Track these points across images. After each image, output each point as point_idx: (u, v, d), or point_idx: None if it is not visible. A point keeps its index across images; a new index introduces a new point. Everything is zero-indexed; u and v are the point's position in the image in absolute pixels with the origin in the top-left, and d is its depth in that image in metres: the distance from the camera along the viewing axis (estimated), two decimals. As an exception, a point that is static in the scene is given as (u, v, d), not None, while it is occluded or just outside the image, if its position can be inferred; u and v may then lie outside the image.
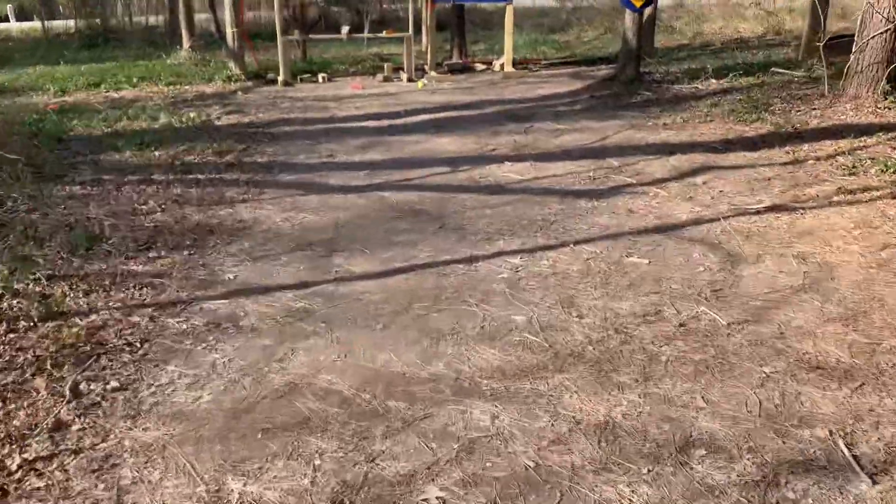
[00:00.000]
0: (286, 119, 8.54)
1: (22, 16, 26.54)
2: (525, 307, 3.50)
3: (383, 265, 4.09)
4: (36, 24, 22.17)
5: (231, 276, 3.94)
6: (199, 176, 5.95)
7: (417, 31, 14.60)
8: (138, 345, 3.17)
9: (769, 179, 5.54)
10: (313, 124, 8.26)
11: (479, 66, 12.79)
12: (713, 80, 9.94)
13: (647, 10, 11.03)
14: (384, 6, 22.25)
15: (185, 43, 14.06)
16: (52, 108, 8.83)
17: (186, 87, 11.14)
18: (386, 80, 11.69)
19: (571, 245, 4.34)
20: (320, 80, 11.74)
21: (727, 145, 6.74)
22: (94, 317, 3.41)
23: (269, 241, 4.49)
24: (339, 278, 3.91)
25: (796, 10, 17.77)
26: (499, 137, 7.44)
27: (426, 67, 12.38)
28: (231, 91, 10.76)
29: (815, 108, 7.69)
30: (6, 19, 26.23)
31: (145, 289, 3.76)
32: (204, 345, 3.16)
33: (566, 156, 6.61)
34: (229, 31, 11.56)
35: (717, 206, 4.99)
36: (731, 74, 9.95)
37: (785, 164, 5.96)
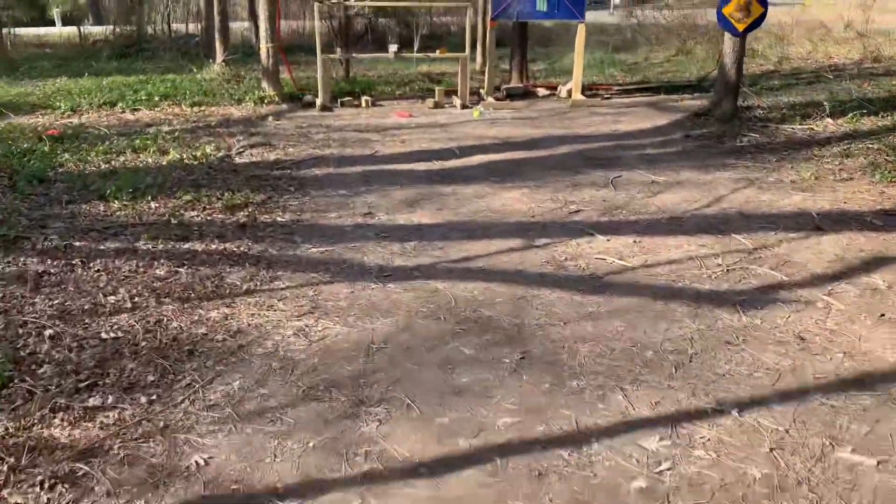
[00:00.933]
0: (319, 157, 7.12)
1: (70, 20, 25.91)
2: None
3: (440, 444, 2.59)
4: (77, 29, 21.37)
5: (200, 461, 2.47)
6: (197, 246, 4.52)
7: (472, 48, 13.16)
8: None
9: None
10: (351, 165, 6.83)
11: (542, 92, 11.26)
12: (829, 120, 8.25)
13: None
14: (434, 19, 20.89)
15: (219, 56, 12.83)
16: (50, 133, 7.57)
17: (212, 108, 9.84)
18: (437, 106, 10.24)
19: (734, 412, 2.78)
20: (363, 104, 10.35)
21: (888, 218, 5.09)
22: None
23: (271, 379, 3.02)
24: (368, 475, 2.41)
25: (894, 35, 15.88)
26: (580, 191, 5.91)
27: (482, 92, 10.91)
28: (261, 116, 9.42)
29: None
30: (54, 23, 25.63)
31: (59, 485, 2.31)
32: None
33: (677, 226, 5.03)
34: (263, 48, 10.25)
35: (934, 335, 3.38)
36: (850, 114, 8.25)
37: None
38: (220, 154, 6.97)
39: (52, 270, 4.06)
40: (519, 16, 10.31)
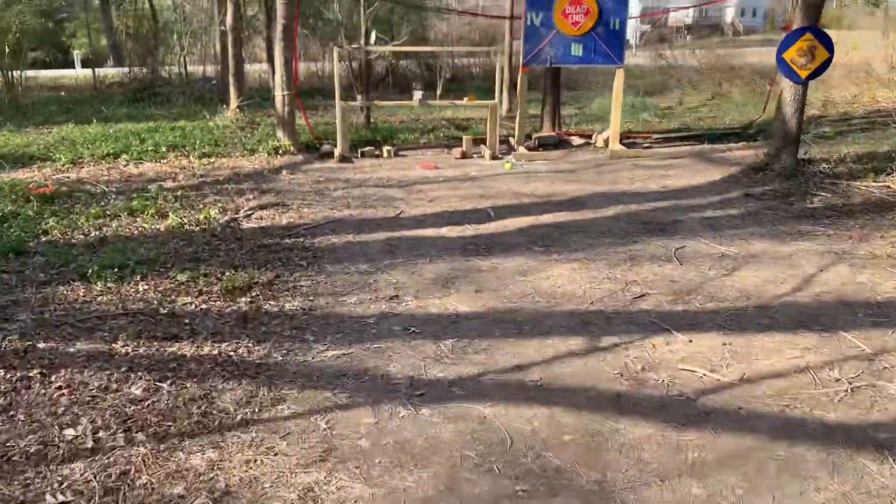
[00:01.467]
0: (337, 220, 6.34)
1: (90, 62, 25.65)
2: None
3: None
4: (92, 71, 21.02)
5: None
6: (186, 349, 3.70)
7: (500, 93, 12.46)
8: None
9: None
10: (372, 230, 6.02)
11: (577, 141, 10.47)
12: (904, 175, 7.37)
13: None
14: (456, 61, 20.34)
15: (232, 102, 12.21)
16: (40, 191, 6.85)
17: (222, 160, 9.14)
18: (464, 156, 9.48)
19: None
20: (384, 154, 9.61)
21: None
22: None
23: (266, 586, 2.15)
24: None
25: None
26: (640, 267, 5.05)
27: (512, 141, 10.15)
28: (274, 168, 8.69)
29: None
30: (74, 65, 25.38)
31: None
32: None
33: (768, 320, 4.14)
34: (278, 95, 9.58)
35: None
36: (929, 167, 7.37)
37: None
38: (226, 218, 6.20)
39: (1, 387, 3.24)
40: (553, 61, 9.58)
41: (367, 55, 11.58)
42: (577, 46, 9.48)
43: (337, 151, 9.37)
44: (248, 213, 6.42)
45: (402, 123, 12.36)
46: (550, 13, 9.35)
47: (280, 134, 9.75)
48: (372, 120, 11.95)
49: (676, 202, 6.92)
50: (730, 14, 45.39)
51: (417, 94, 9.55)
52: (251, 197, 7.08)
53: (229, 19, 11.96)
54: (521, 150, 9.60)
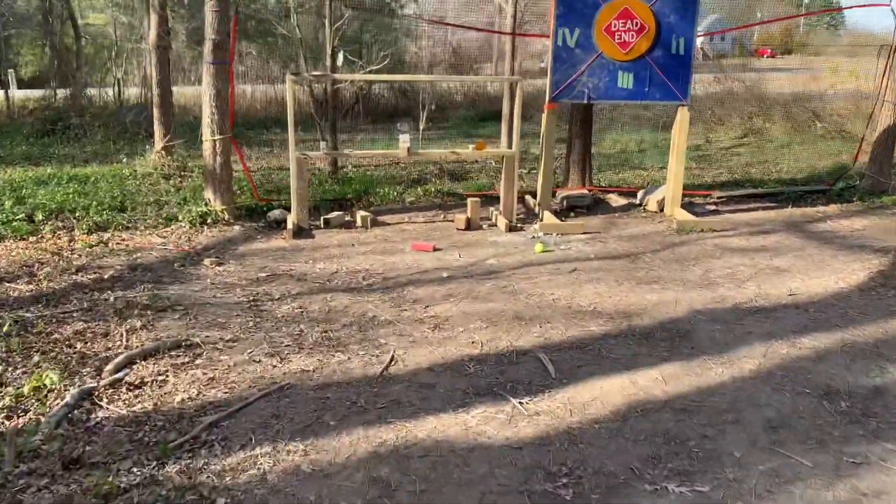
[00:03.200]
0: (278, 393, 3.54)
1: (38, 81, 22.11)
2: None
3: None
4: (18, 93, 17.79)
5: None
6: None
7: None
8: None
9: None
10: (342, 424, 3.25)
11: (617, 200, 7.84)
12: None
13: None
14: (437, 86, 17.67)
15: (157, 141, 9.35)
16: None
17: (122, 235, 6.30)
18: (470, 226, 6.77)
19: None
20: (359, 221, 6.86)
21: None
22: None
23: None
24: None
25: None
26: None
27: (531, 201, 7.49)
28: (196, 252, 5.88)
29: None
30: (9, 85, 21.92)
31: None
32: None
33: None
34: (207, 141, 6.76)
35: None
36: None
37: None
38: (73, 394, 3.35)
39: None
40: (592, 96, 6.93)
41: (333, 84, 8.82)
42: (626, 76, 6.87)
43: (291, 220, 6.58)
44: (118, 376, 3.56)
45: (378, 168, 9.60)
46: (590, 30, 6.73)
47: (210, 195, 6.91)
48: (340, 163, 9.17)
49: (842, 335, 4.25)
50: (699, 40, 43.79)
51: (404, 139, 6.81)
52: (138, 325, 4.24)
53: (152, 34, 9.13)
54: (548, 216, 6.91)
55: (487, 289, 5.04)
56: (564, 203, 7.43)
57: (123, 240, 6.18)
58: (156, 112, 9.34)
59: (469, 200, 6.90)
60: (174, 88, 12.61)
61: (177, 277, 5.22)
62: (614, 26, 6.76)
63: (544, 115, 7.04)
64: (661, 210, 7.33)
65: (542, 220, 6.89)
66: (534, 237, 6.47)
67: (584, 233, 6.63)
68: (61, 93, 14.93)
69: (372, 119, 16.33)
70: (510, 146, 11.58)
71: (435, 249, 6.06)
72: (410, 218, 7.25)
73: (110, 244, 6.04)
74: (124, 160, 9.58)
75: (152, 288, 4.95)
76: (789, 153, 11.26)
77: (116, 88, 15.83)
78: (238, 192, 7.52)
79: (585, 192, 7.68)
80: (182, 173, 8.84)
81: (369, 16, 15.67)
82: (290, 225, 6.53)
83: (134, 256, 5.71)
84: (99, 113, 12.73)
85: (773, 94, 14.62)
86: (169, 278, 5.20)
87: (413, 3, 18.45)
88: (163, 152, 9.26)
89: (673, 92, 6.94)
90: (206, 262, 5.57)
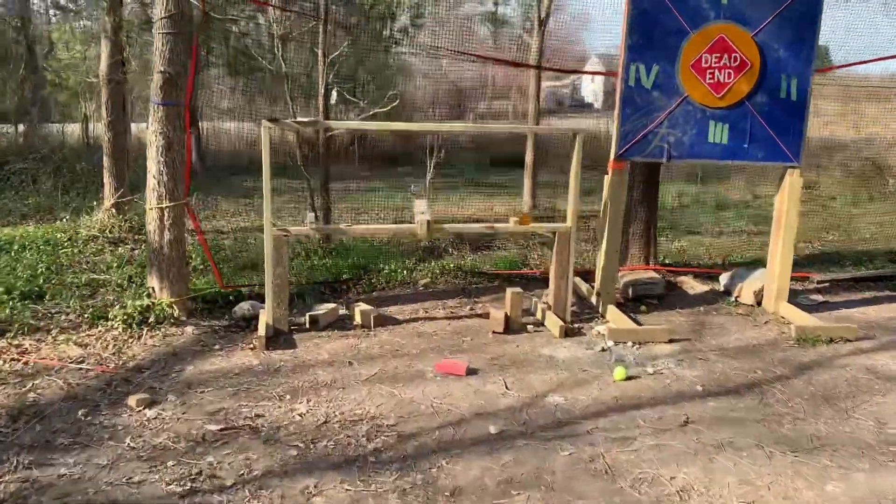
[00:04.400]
0: None
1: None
2: None
3: None
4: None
5: None
6: None
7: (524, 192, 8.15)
8: None
9: None
10: None
11: (693, 286, 6.05)
12: None
13: None
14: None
15: (108, 197, 7.54)
16: None
17: (26, 341, 4.43)
18: (509, 327, 4.94)
19: None
20: (357, 319, 5.02)
21: None
22: None
23: None
24: None
25: None
26: None
27: (583, 286, 5.67)
28: (122, 376, 4.03)
29: None
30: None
31: None
32: None
33: None
34: (151, 209, 4.92)
35: None
36: None
37: None
38: None
39: None
40: (673, 153, 5.17)
41: (326, 133, 7.04)
42: (720, 128, 5.13)
43: (264, 322, 4.72)
44: None
45: (375, 238, 7.77)
46: (673, 67, 5.00)
47: (154, 282, 5.04)
48: (331, 221, 7.34)
49: None
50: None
51: (420, 209, 4.99)
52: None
53: (102, 65, 7.37)
54: (614, 314, 5.08)
55: (565, 467, 3.18)
56: (630, 291, 5.62)
57: (24, 352, 4.31)
58: (106, 160, 7.54)
59: (508, 292, 5.06)
60: (135, 127, 10.85)
61: (79, 436, 3.35)
62: (706, 62, 5.04)
63: (608, 177, 5.27)
64: (759, 303, 5.54)
65: (605, 319, 5.08)
66: (604, 349, 4.64)
67: (669, 338, 4.81)
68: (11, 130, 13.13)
69: (369, 166, 14.64)
70: (533, 203, 9.91)
71: (469, 373, 4.21)
72: (427, 311, 5.42)
73: (2, 358, 4.17)
74: (66, 218, 7.73)
75: (31, 463, 3.08)
76: (866, 214, 9.56)
77: (83, 126, 14.06)
78: (197, 270, 5.69)
79: (655, 275, 5.88)
80: (136, 237, 7.02)
81: (367, 49, 14.02)
82: (262, 328, 4.68)
83: (28, 386, 3.84)
84: (51, 156, 10.88)
85: (814, 137, 12.98)
86: (67, 438, 3.32)
87: (405, 37, 16.83)
88: (113, 210, 7.44)
89: (780, 150, 5.20)
90: (133, 401, 3.69)
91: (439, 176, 12.20)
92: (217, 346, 4.56)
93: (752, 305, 5.55)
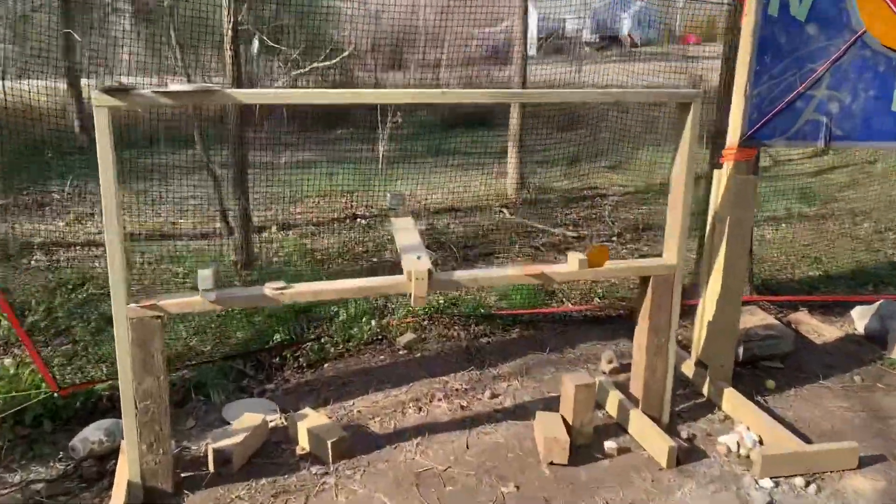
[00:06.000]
0: None
1: None
2: None
3: None
4: None
5: None
6: None
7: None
8: None
9: None
10: None
11: (818, 331, 3.97)
12: None
13: None
14: (383, 84, 13.37)
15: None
16: None
17: None
18: (576, 447, 2.74)
19: None
20: (303, 443, 2.73)
21: None
22: None
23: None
24: None
25: None
26: None
27: (670, 349, 3.49)
28: None
29: None
30: None
31: None
32: None
33: None
34: None
35: None
36: None
37: None
38: None
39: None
40: (836, 131, 3.01)
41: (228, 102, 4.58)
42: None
43: (125, 479, 2.38)
44: None
45: (326, 234, 5.42)
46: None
47: None
48: (257, 221, 4.99)
49: None
50: (626, 26, 40.62)
51: (408, 241, 2.73)
52: None
53: None
54: (737, 404, 2.95)
55: None
56: (739, 352, 3.50)
57: None
58: None
59: (568, 384, 2.88)
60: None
61: None
62: (903, -27, 2.87)
63: (723, 172, 3.11)
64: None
65: (723, 412, 2.97)
66: (758, 488, 2.53)
67: (861, 463, 2.74)
68: None
69: (302, 127, 11.92)
70: (521, 182, 7.32)
71: None
72: (420, 405, 3.20)
73: None
74: None
75: None
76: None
77: None
78: (17, 361, 3.29)
79: (773, 320, 3.77)
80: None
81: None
82: (122, 492, 2.36)
83: None
84: None
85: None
86: None
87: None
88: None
89: None
90: None
91: (390, 139, 9.70)
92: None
93: (931, 369, 3.53)
